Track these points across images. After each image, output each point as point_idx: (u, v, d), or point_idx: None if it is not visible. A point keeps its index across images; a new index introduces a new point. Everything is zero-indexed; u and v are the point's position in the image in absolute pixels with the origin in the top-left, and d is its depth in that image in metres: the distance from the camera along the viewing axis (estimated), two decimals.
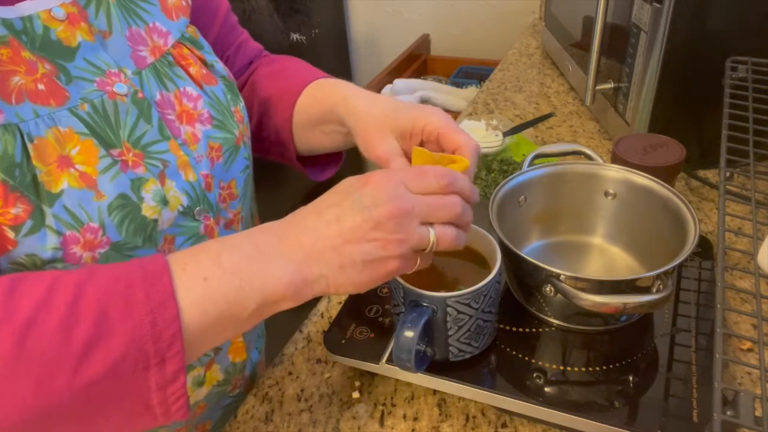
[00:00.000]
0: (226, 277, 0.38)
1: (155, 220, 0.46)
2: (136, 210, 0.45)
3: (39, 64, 0.42)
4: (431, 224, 0.43)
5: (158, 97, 0.49)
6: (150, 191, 0.46)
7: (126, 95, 0.47)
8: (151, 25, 0.51)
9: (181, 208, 0.49)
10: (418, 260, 0.44)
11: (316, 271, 0.40)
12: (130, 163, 0.45)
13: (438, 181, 0.44)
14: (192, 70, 0.53)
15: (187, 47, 0.54)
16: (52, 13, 0.43)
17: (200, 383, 0.57)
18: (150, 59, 0.50)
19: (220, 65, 0.57)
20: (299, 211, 0.43)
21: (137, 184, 0.45)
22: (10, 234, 0.39)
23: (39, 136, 0.41)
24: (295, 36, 1.73)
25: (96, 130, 0.44)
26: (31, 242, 0.40)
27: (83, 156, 0.43)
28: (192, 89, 0.52)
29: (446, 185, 0.44)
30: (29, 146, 0.40)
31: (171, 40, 0.52)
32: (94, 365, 0.34)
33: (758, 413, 0.37)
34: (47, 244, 0.41)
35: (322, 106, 0.60)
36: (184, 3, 0.55)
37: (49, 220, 0.41)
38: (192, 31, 0.55)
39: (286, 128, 0.62)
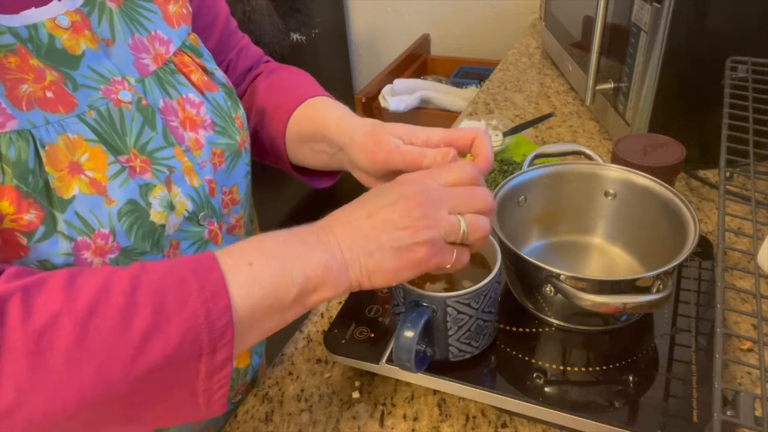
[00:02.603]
0: (269, 260, 0.40)
1: (162, 226, 0.47)
2: (144, 215, 0.45)
3: (47, 72, 0.42)
4: (461, 214, 0.44)
5: (161, 104, 0.50)
6: (157, 197, 0.46)
7: (130, 102, 0.47)
8: (153, 33, 0.51)
9: (186, 214, 0.49)
10: (455, 253, 0.44)
11: (348, 255, 0.42)
12: (137, 170, 0.46)
13: (465, 172, 0.45)
14: (193, 77, 0.53)
15: (188, 55, 0.54)
16: (56, 22, 0.43)
17: None
18: (152, 67, 0.50)
19: (219, 73, 0.57)
20: (332, 213, 0.45)
21: (145, 189, 0.46)
22: (23, 240, 0.40)
23: (50, 143, 0.41)
24: (295, 36, 1.73)
25: (104, 137, 0.44)
26: (43, 248, 0.40)
27: (92, 162, 0.43)
28: (194, 96, 0.53)
29: (473, 176, 0.46)
30: (41, 152, 0.40)
31: (172, 48, 0.53)
32: (151, 354, 0.34)
33: (758, 413, 0.37)
34: (59, 250, 0.41)
35: (312, 125, 0.60)
36: (184, 11, 0.55)
37: (61, 226, 0.41)
38: (193, 39, 0.56)
39: (280, 140, 0.63)
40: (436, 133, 0.51)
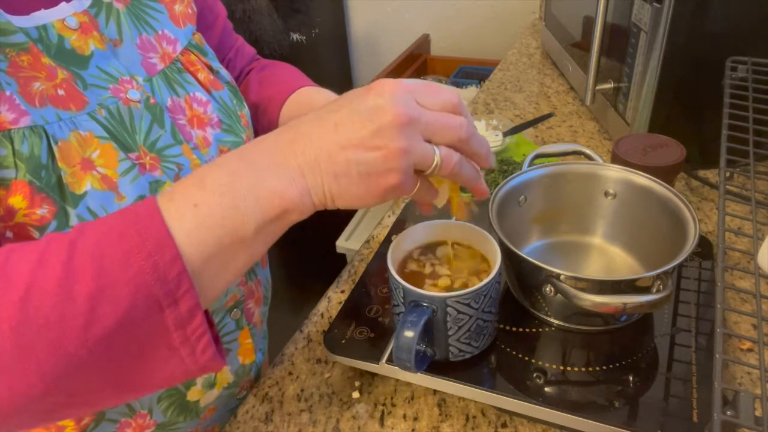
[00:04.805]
0: (216, 198, 0.36)
1: None
2: None
3: (58, 70, 0.43)
4: (436, 144, 0.40)
5: (169, 102, 0.50)
6: None
7: (139, 101, 0.47)
8: (160, 32, 0.52)
9: None
10: (418, 184, 0.41)
11: (311, 180, 0.38)
12: (147, 167, 0.46)
13: (450, 98, 0.41)
14: (200, 75, 0.54)
15: (194, 54, 0.55)
16: (65, 23, 0.44)
17: (211, 385, 0.57)
18: (160, 66, 0.51)
19: (224, 71, 0.58)
20: (297, 119, 0.41)
21: (155, 186, 0.46)
22: (35, 234, 0.40)
23: (63, 139, 0.42)
24: (295, 36, 1.72)
25: (114, 135, 0.45)
26: None
27: (104, 159, 0.44)
28: (201, 94, 0.53)
29: (456, 105, 0.41)
30: (54, 148, 0.41)
31: (179, 47, 0.53)
32: (103, 319, 0.33)
33: (758, 413, 0.37)
34: None
35: (303, 109, 0.61)
36: (190, 11, 0.56)
37: (73, 221, 0.41)
38: (198, 38, 0.57)
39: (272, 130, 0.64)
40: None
